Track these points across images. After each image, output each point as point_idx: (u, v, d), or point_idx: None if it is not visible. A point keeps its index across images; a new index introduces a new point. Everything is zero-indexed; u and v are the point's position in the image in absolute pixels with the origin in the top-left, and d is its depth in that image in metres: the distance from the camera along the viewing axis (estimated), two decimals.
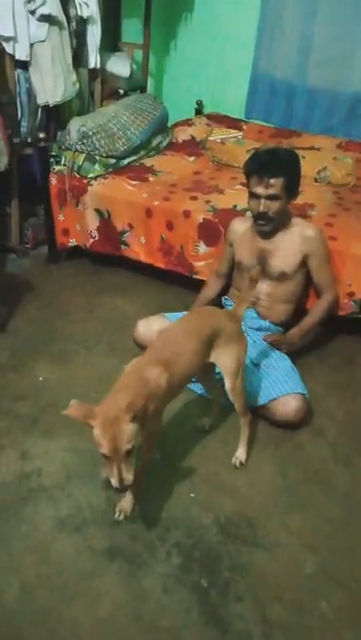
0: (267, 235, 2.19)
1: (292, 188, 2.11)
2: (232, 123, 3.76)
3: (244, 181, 2.87)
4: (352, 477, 1.88)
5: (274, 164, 2.05)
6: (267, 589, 1.51)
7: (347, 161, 3.01)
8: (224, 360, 1.72)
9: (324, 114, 3.78)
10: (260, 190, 2.07)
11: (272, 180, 2.05)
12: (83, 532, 1.63)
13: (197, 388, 2.17)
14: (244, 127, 3.72)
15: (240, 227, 2.31)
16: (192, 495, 1.75)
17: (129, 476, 1.33)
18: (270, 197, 2.07)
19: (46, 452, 1.90)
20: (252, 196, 2.11)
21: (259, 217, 2.13)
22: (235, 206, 2.63)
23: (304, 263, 2.21)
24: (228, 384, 1.74)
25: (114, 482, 1.34)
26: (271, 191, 2.06)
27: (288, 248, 2.19)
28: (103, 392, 2.16)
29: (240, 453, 1.89)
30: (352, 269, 2.34)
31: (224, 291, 2.44)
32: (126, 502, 1.67)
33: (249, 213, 2.54)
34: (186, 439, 1.99)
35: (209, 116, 3.83)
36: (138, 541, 1.61)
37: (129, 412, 1.33)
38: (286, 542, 1.64)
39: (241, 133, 3.55)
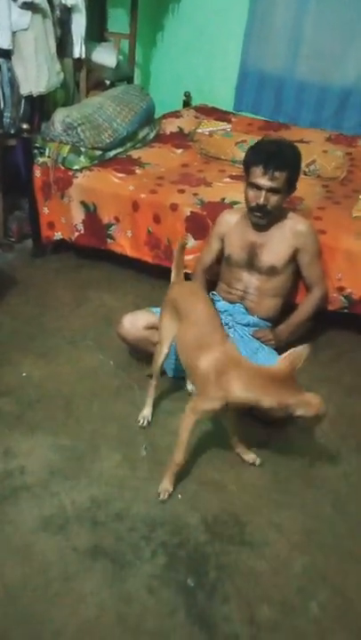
0: (260, 228, 2.15)
1: (292, 183, 2.08)
2: (220, 115, 3.71)
3: (233, 174, 2.88)
4: (341, 474, 1.85)
5: (280, 157, 2.00)
6: (254, 590, 1.48)
7: (337, 154, 2.98)
8: None
9: (313, 107, 3.76)
10: (262, 182, 2.02)
11: (277, 173, 2.00)
12: (66, 532, 1.59)
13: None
14: (233, 120, 3.68)
15: (231, 218, 2.26)
16: (179, 497, 1.71)
17: None
18: (272, 190, 2.03)
19: (30, 449, 1.85)
20: (253, 186, 2.05)
21: (257, 209, 2.08)
22: (223, 199, 2.59)
23: (294, 258, 2.17)
24: None
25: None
26: (275, 184, 2.01)
27: (279, 242, 2.15)
28: (89, 388, 2.15)
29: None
30: (342, 263, 2.31)
31: (211, 285, 2.40)
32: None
33: (238, 206, 2.51)
34: (172, 434, 1.94)
35: (197, 108, 3.78)
36: (122, 541, 1.57)
37: None
38: (274, 541, 1.61)
39: (230, 126, 3.50)
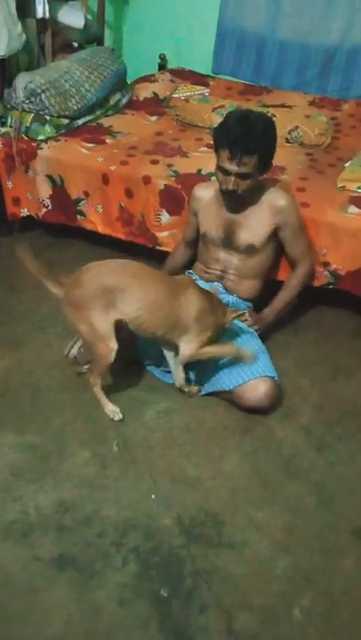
0: (234, 208, 1.99)
1: (265, 164, 1.90)
2: (198, 78, 3.49)
3: (210, 142, 2.67)
4: (326, 463, 1.74)
5: (249, 140, 1.79)
6: (234, 596, 1.38)
7: (320, 119, 2.80)
8: None
9: (296, 68, 3.53)
10: (230, 167, 1.84)
11: (245, 158, 1.81)
12: (30, 540, 1.47)
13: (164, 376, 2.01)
14: (211, 83, 3.46)
15: (204, 194, 2.09)
16: (153, 496, 1.59)
17: None
18: (241, 175, 1.85)
19: None
20: (221, 170, 1.88)
21: (227, 193, 1.91)
22: (199, 170, 2.41)
23: (275, 235, 2.02)
24: None
25: None
26: (243, 169, 1.84)
27: (258, 220, 1.99)
28: (57, 379, 2.01)
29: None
30: (326, 238, 2.16)
31: (191, 262, 2.26)
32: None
33: (215, 178, 2.34)
34: (146, 428, 1.82)
35: (173, 72, 3.54)
36: (91, 548, 1.46)
37: None
38: (255, 541, 1.50)
39: (207, 90, 3.29)
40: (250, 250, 2.01)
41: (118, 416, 1.82)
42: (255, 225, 1.98)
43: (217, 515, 1.55)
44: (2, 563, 1.41)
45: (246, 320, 1.99)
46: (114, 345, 1.69)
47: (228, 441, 1.79)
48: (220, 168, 1.89)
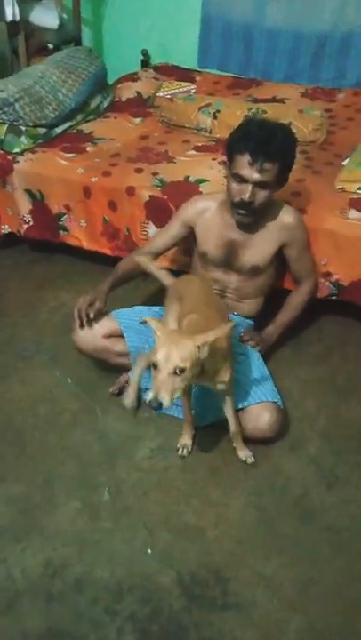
0: (243, 226, 1.82)
1: (284, 176, 1.75)
2: (184, 74, 3.31)
3: (198, 144, 2.53)
4: (339, 502, 1.59)
5: (272, 145, 1.65)
6: None
7: (314, 113, 2.61)
8: None
9: (287, 58, 3.34)
10: (249, 174, 1.67)
11: (267, 164, 1.66)
12: (16, 610, 1.33)
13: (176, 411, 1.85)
14: (198, 78, 3.28)
15: (206, 207, 1.89)
16: (149, 551, 1.44)
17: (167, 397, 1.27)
18: (260, 184, 1.69)
19: None
20: (237, 178, 1.71)
21: (240, 205, 1.74)
22: (187, 177, 2.24)
23: (280, 252, 1.87)
24: None
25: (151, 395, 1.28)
26: (263, 177, 1.68)
27: (262, 239, 1.84)
28: (43, 416, 1.86)
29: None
30: (326, 247, 1.99)
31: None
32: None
33: (203, 185, 2.18)
34: (139, 469, 1.67)
35: (157, 68, 3.36)
36: (82, 618, 1.32)
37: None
38: (264, 599, 1.36)
39: (194, 86, 3.12)
40: (253, 271, 1.86)
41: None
42: (260, 245, 1.83)
43: (220, 570, 1.41)
44: None
45: (249, 341, 1.84)
46: None
47: (230, 480, 1.64)
48: (235, 176, 1.72)
